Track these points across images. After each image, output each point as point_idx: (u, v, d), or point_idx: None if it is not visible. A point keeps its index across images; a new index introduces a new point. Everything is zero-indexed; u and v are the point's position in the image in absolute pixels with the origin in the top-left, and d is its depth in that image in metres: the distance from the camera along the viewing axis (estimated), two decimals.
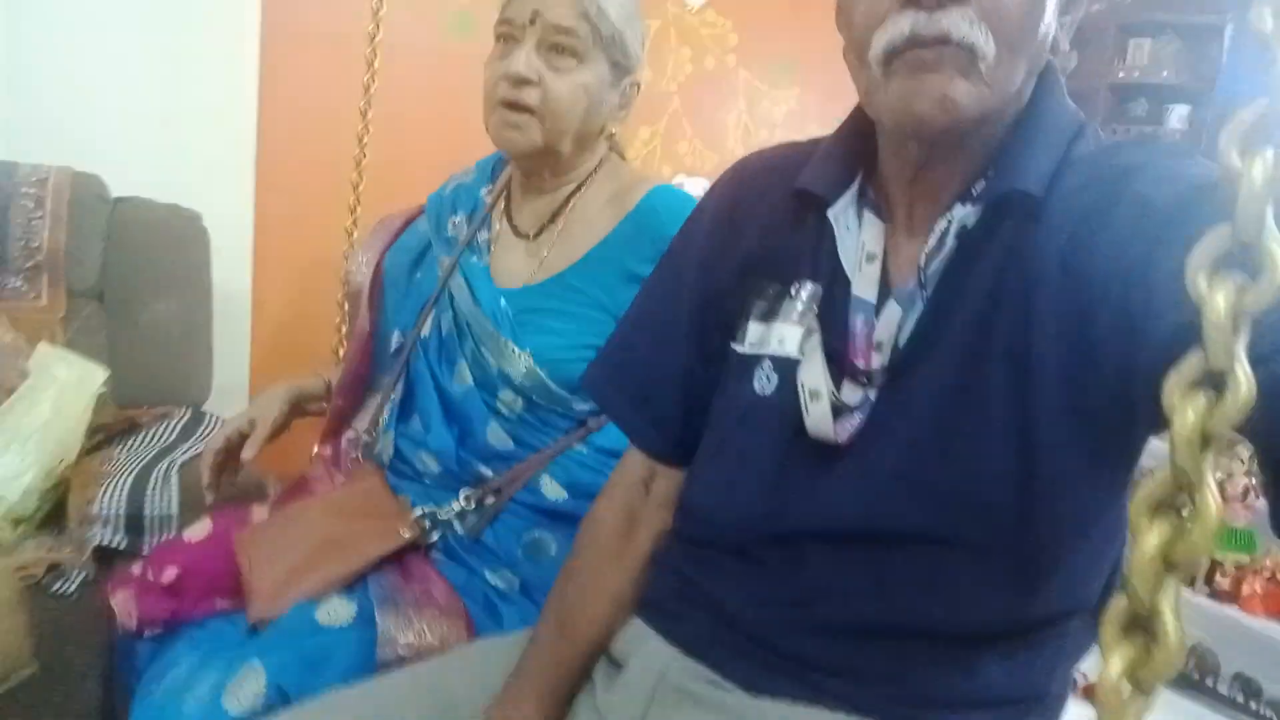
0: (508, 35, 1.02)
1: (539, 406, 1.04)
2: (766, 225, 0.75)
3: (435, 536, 1.04)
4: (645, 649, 0.76)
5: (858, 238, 0.69)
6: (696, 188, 2.61)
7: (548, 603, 0.84)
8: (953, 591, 0.64)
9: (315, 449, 1.21)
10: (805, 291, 0.71)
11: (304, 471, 1.21)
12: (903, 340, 0.66)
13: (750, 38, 2.49)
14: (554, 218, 1.09)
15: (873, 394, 0.67)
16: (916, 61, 0.59)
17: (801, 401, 0.68)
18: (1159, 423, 0.54)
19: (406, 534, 1.02)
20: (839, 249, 0.70)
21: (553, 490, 1.04)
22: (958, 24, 0.58)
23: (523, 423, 1.05)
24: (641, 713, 0.73)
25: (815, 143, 0.77)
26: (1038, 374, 0.60)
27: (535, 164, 1.07)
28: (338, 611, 0.95)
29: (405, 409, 1.12)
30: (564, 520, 1.02)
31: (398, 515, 1.04)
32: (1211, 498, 0.23)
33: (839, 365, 0.68)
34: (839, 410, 0.67)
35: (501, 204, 1.15)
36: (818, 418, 0.67)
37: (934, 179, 0.66)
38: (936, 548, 0.64)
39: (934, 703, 0.66)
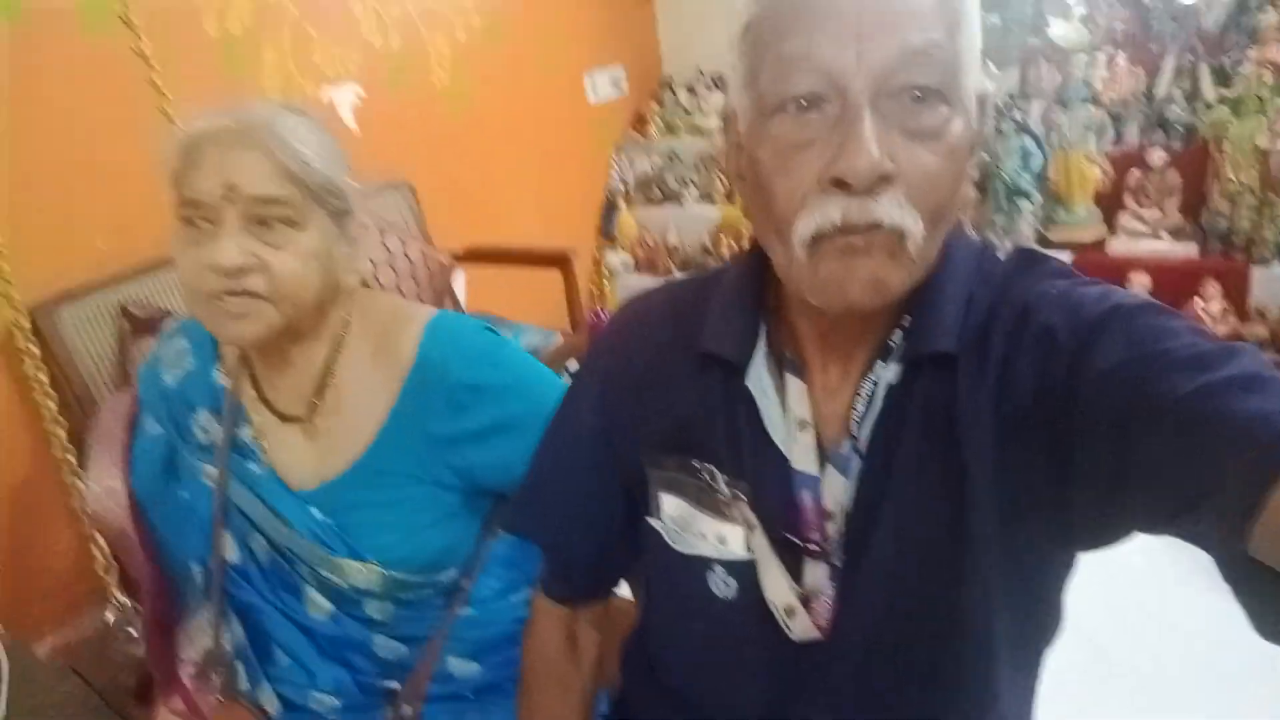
0: (198, 218, 0.77)
1: (408, 601, 0.91)
2: (667, 395, 0.69)
3: None
4: None
5: (779, 404, 0.65)
6: (344, 96, 2.28)
7: None
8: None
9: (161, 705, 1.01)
10: (722, 478, 0.66)
11: None
12: (848, 504, 0.64)
13: None
14: (320, 390, 0.88)
15: (838, 562, 0.65)
16: (846, 247, 0.55)
17: (778, 619, 0.65)
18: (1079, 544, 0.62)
19: None
20: (764, 420, 0.65)
21: (462, 668, 0.94)
22: (889, 210, 0.54)
23: (401, 621, 0.91)
24: None
25: (703, 285, 0.71)
26: (977, 515, 0.61)
27: (274, 342, 0.84)
28: None
29: (257, 647, 0.92)
30: (490, 692, 0.94)
31: None
32: None
33: (790, 545, 0.65)
34: (808, 598, 0.65)
35: (248, 387, 0.91)
36: (801, 630, 0.65)
37: (848, 333, 0.64)
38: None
39: None
